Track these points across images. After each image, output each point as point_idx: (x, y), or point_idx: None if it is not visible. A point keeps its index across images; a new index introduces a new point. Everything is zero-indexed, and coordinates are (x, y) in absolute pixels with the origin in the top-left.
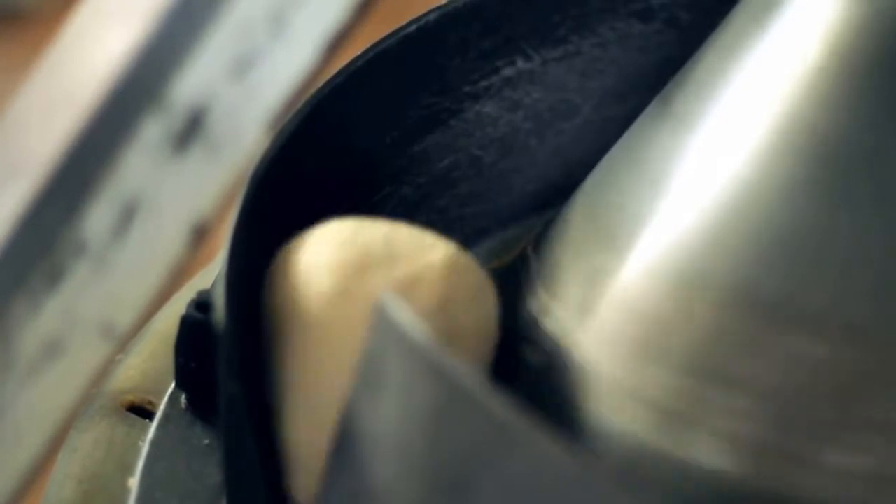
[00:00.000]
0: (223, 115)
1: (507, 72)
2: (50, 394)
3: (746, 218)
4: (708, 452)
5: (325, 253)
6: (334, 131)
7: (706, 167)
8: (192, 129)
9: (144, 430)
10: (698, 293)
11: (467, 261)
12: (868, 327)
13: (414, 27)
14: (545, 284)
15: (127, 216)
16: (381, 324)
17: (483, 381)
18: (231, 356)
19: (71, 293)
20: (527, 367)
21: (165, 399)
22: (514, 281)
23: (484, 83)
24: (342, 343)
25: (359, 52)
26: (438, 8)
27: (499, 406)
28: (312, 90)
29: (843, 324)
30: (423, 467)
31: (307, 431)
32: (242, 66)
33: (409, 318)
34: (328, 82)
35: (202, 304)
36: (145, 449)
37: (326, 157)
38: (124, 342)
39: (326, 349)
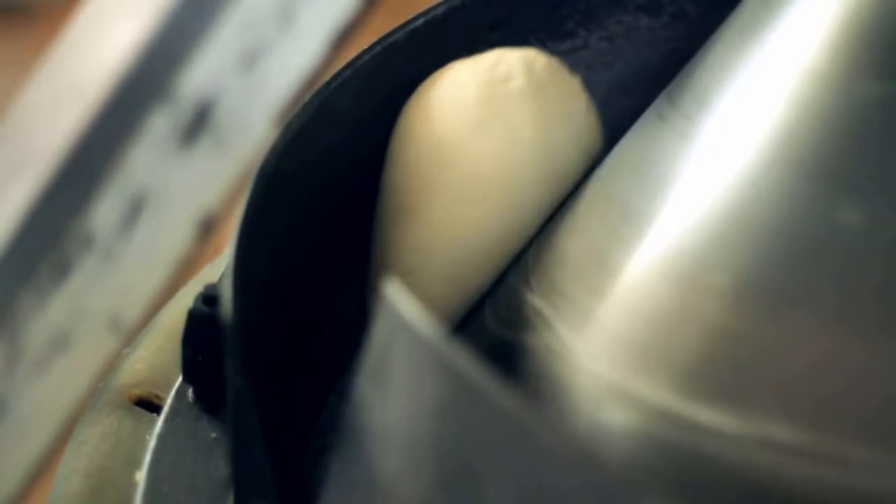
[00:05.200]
0: (230, 109)
1: None
2: (57, 387)
3: (751, 214)
4: (711, 449)
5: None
6: (342, 125)
7: (713, 162)
8: (199, 123)
9: (151, 423)
10: (702, 291)
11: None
12: (875, 323)
13: (421, 21)
14: (549, 280)
15: (134, 210)
16: (387, 316)
17: (489, 374)
18: (238, 350)
19: (78, 287)
20: (532, 361)
21: (172, 393)
22: (519, 277)
23: None
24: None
25: (366, 46)
26: (446, 1)
27: (504, 399)
28: (320, 84)
29: (849, 320)
30: (429, 460)
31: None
32: (250, 60)
33: (414, 310)
34: (336, 76)
35: (209, 297)
36: (152, 443)
37: (334, 151)
38: (131, 336)
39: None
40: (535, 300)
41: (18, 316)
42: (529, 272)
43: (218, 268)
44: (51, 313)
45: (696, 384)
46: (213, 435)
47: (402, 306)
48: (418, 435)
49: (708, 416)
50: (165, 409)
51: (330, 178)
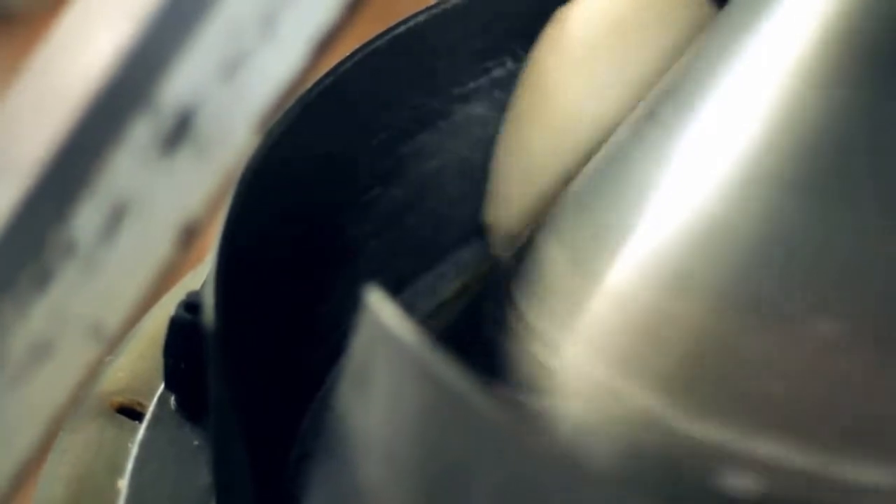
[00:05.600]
0: (212, 116)
1: (497, 73)
2: (39, 395)
3: (736, 220)
4: (695, 455)
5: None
6: (323, 132)
7: (695, 167)
8: (181, 130)
9: (134, 431)
10: (687, 296)
11: None
12: (861, 330)
13: (403, 28)
14: (532, 287)
15: (116, 217)
16: (369, 324)
17: (472, 383)
18: (220, 357)
19: (60, 294)
20: (515, 368)
21: (154, 400)
22: (501, 283)
23: (473, 84)
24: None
25: (348, 53)
26: (428, 9)
27: (488, 407)
28: (301, 91)
29: (834, 326)
30: (412, 469)
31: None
32: (231, 67)
33: (396, 319)
34: (317, 83)
35: (191, 305)
36: (134, 450)
37: (316, 158)
38: (113, 343)
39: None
40: (519, 302)
41: (0, 323)
42: (513, 275)
43: (200, 275)
44: (32, 321)
45: (680, 391)
46: (196, 442)
47: (384, 314)
48: (400, 442)
49: (690, 423)
50: (148, 417)
51: (312, 185)
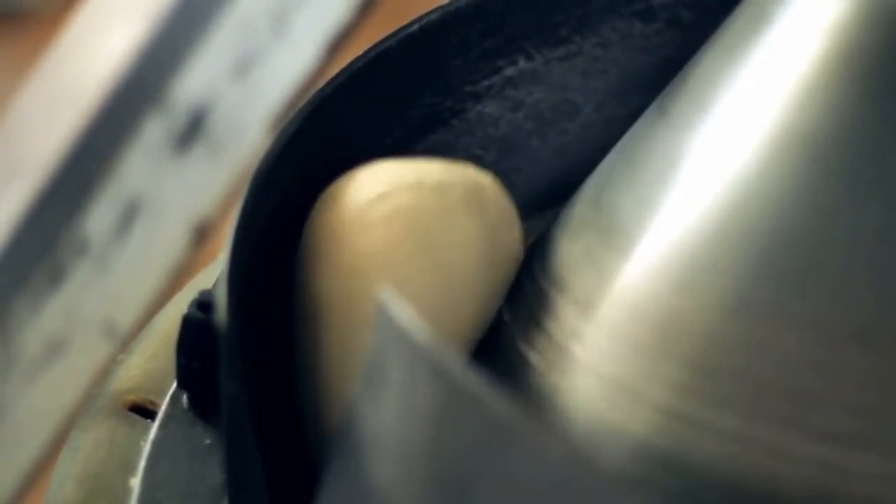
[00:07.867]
0: (225, 115)
1: (509, 71)
2: (51, 393)
3: (748, 219)
4: (708, 453)
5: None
6: (336, 131)
7: (707, 168)
8: (193, 129)
9: (146, 430)
10: (700, 294)
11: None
12: (869, 330)
13: (416, 27)
14: (547, 284)
15: (129, 216)
16: (382, 323)
17: (484, 381)
18: (233, 356)
19: (73, 293)
20: (528, 367)
21: (167, 399)
22: (516, 280)
23: (486, 83)
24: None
25: (360, 52)
26: (440, 7)
27: (500, 406)
28: (314, 90)
29: (844, 326)
30: (424, 467)
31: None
32: (244, 66)
33: (409, 318)
34: (330, 82)
35: (204, 303)
36: (147, 449)
37: (328, 157)
38: (126, 342)
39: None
40: (532, 301)
41: (13, 322)
42: (526, 274)
43: (212, 274)
44: (45, 319)
45: (695, 389)
46: (208, 441)
47: (397, 313)
48: (412, 441)
49: (706, 421)
50: (160, 415)
51: (324, 184)
